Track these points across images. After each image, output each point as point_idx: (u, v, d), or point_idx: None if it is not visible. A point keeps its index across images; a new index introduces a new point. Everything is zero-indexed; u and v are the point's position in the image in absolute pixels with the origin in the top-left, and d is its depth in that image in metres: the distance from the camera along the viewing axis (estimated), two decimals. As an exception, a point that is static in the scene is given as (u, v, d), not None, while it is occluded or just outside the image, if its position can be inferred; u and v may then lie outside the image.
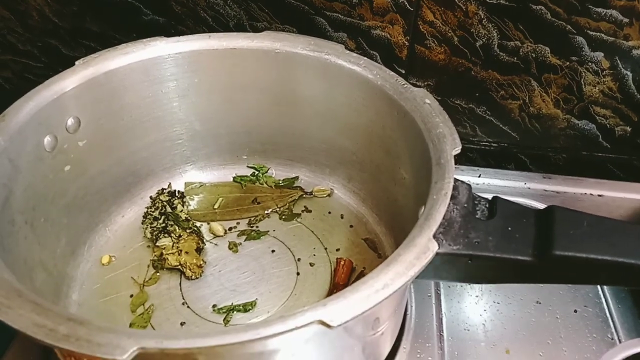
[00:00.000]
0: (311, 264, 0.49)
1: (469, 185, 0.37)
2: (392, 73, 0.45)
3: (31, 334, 0.26)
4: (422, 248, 0.31)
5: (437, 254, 0.32)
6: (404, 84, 0.44)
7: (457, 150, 0.38)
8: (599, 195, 0.59)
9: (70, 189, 0.47)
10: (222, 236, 0.51)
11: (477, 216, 0.35)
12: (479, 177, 0.61)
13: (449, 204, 0.34)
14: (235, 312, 0.45)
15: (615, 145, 0.62)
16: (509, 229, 0.34)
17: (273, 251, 0.50)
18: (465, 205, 0.35)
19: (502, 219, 0.35)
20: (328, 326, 0.27)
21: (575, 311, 0.51)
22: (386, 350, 0.45)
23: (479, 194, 0.54)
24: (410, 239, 0.32)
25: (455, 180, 0.37)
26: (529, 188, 0.60)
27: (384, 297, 0.28)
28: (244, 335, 0.26)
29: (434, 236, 0.32)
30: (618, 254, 0.31)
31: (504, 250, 0.33)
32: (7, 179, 0.39)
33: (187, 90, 0.52)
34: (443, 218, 0.33)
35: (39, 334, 0.26)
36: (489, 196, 0.37)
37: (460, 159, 0.66)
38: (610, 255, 0.31)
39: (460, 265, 0.34)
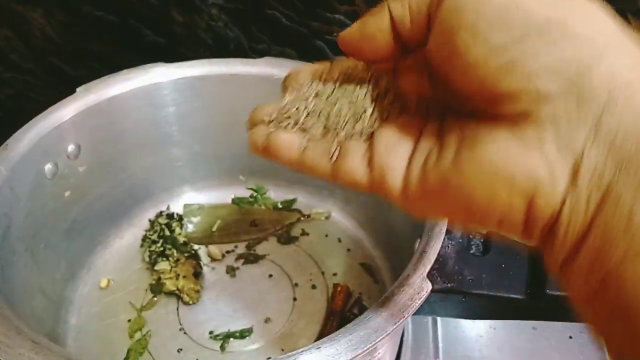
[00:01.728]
0: (308, 289, 0.49)
1: (463, 219, 0.37)
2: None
3: (30, 375, 0.27)
4: (415, 288, 0.31)
5: (431, 291, 0.32)
6: (401, 114, 0.44)
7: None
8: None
9: (70, 214, 0.47)
10: (219, 260, 0.52)
11: (471, 251, 0.36)
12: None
13: (444, 239, 0.35)
14: (232, 338, 0.45)
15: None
16: (503, 266, 0.34)
17: (270, 276, 0.50)
18: (460, 240, 0.36)
19: (496, 255, 0.35)
20: (321, 369, 0.27)
21: (570, 337, 0.51)
22: (382, 376, 0.45)
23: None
24: (404, 278, 0.32)
25: (451, 214, 0.37)
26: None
27: (378, 340, 0.28)
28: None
29: (428, 273, 0.33)
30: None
31: (498, 289, 0.33)
32: (9, 208, 0.40)
33: (187, 115, 0.52)
34: (437, 254, 0.34)
35: (37, 376, 0.27)
36: (484, 231, 0.37)
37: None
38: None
39: (454, 302, 0.34)
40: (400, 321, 0.30)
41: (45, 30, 0.62)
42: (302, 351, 0.28)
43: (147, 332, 0.46)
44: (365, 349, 0.28)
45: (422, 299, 0.31)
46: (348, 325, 0.30)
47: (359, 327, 0.29)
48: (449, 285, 0.33)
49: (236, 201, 0.58)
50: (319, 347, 0.28)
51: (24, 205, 0.41)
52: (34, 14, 0.61)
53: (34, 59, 0.65)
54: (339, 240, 0.54)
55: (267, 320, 0.47)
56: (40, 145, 0.42)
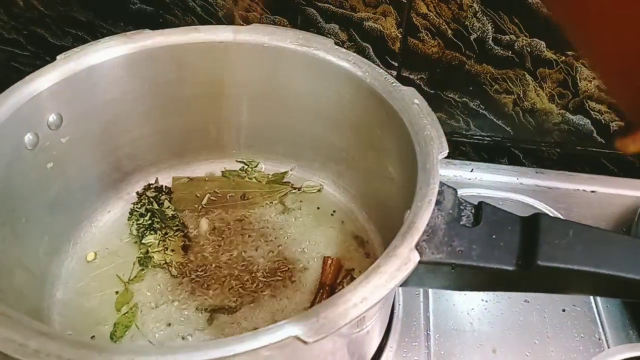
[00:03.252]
0: (299, 262, 0.49)
1: (454, 189, 0.36)
2: (381, 71, 0.44)
3: (0, 348, 0.26)
4: (403, 259, 0.30)
5: (419, 262, 0.31)
6: (393, 83, 0.43)
7: (444, 154, 0.37)
8: (592, 192, 0.58)
9: (54, 187, 0.46)
10: (209, 233, 0.51)
11: (461, 223, 0.35)
12: (471, 171, 0.61)
13: (434, 209, 0.34)
14: (220, 312, 0.44)
15: (609, 140, 0.61)
16: (494, 237, 0.33)
17: (260, 249, 0.50)
18: (450, 211, 0.35)
19: (487, 226, 0.34)
20: (304, 342, 0.26)
21: (564, 310, 0.50)
22: (372, 349, 0.45)
23: (471, 188, 0.54)
24: (392, 249, 0.31)
25: (441, 184, 0.36)
26: (521, 183, 0.60)
27: (362, 312, 0.28)
28: (216, 352, 0.26)
29: (417, 244, 0.32)
30: (603, 266, 0.31)
31: (488, 260, 0.32)
32: (-15, 179, 0.39)
33: (173, 85, 0.50)
34: (427, 225, 0.33)
35: (8, 349, 0.26)
36: (475, 201, 0.36)
37: (453, 153, 0.65)
38: (594, 267, 0.31)
39: (443, 274, 0.33)
40: (387, 292, 0.29)
41: (27, -2, 0.60)
42: (287, 322, 0.27)
43: (134, 306, 0.45)
44: (347, 321, 0.27)
45: (409, 270, 0.30)
46: (334, 295, 0.29)
47: (342, 299, 0.28)
48: (438, 256, 0.32)
49: (226, 174, 0.56)
50: (300, 320, 0.27)
51: (1, 177, 0.40)
52: (15, -19, 0.58)
53: (17, 28, 0.63)
54: (331, 214, 0.53)
55: (256, 292, 0.46)
56: (19, 114, 0.41)
